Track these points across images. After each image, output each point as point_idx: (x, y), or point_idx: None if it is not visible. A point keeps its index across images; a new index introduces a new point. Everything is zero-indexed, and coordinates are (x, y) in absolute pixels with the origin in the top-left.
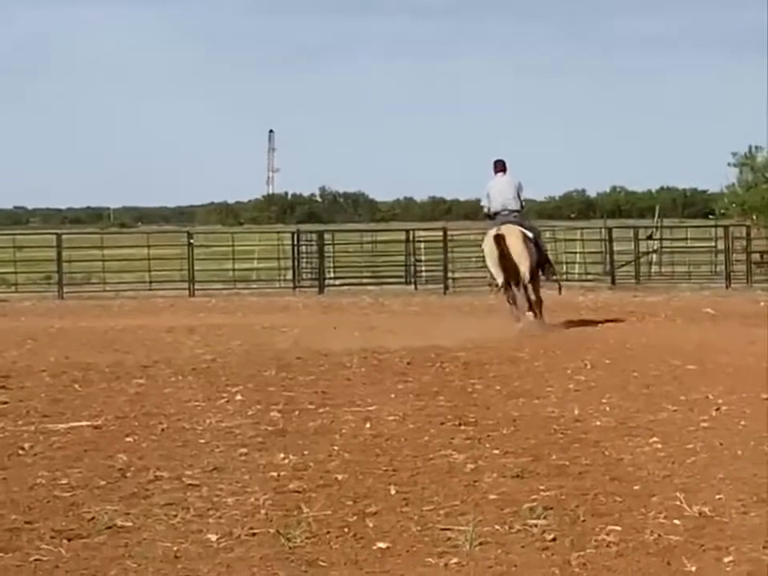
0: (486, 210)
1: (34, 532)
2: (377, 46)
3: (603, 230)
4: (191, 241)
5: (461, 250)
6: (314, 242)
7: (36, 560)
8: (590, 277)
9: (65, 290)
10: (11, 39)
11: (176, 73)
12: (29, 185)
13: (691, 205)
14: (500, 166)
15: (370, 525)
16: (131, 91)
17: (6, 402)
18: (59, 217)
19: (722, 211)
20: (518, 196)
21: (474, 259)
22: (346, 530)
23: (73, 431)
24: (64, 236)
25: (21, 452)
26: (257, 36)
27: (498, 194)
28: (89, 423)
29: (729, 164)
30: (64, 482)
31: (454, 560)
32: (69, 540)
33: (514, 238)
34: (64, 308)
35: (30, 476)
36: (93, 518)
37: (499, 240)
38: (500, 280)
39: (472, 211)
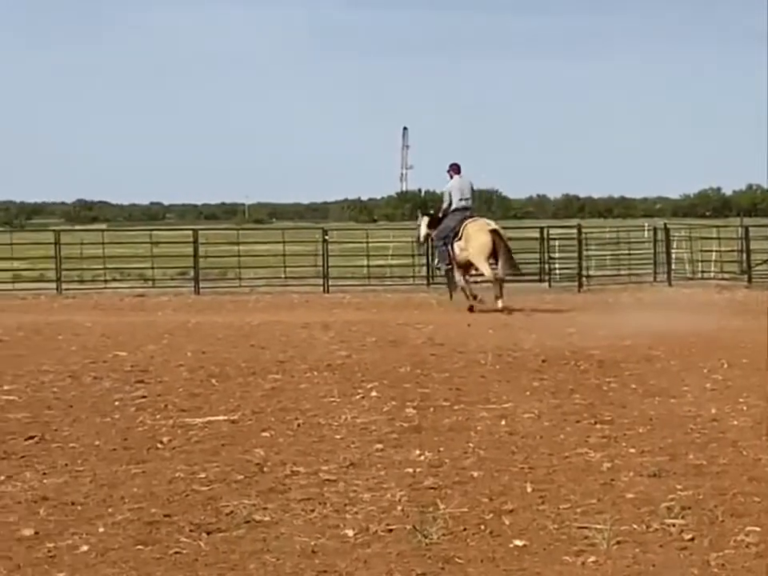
0: (446, 205)
1: (173, 525)
2: (512, 44)
3: (740, 229)
4: (326, 237)
5: (595, 248)
6: None
7: (175, 553)
8: (725, 275)
9: (201, 285)
10: (142, 36)
11: (311, 69)
12: (165, 181)
13: None
14: (456, 169)
15: (507, 522)
16: (265, 88)
17: (144, 396)
18: (195, 212)
19: None
20: (473, 194)
21: (608, 257)
22: (482, 527)
23: (210, 425)
24: (200, 232)
25: (159, 446)
26: (391, 32)
27: (458, 192)
28: (226, 418)
29: None
30: (202, 475)
31: (592, 558)
32: (208, 533)
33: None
34: (200, 303)
35: (169, 470)
36: (231, 512)
37: (498, 234)
38: (488, 270)
39: (606, 209)
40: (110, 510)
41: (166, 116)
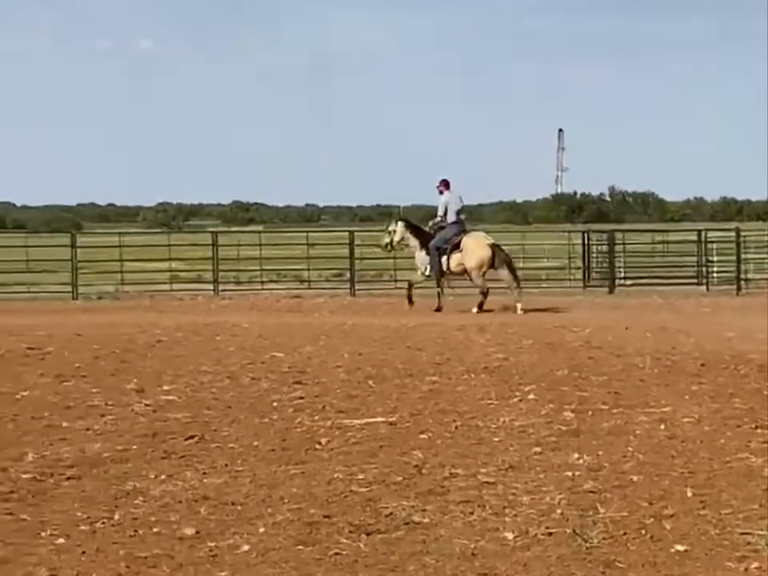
0: (440, 220)
1: (333, 526)
2: (667, 46)
3: None
4: None
5: (754, 251)
6: (604, 242)
7: (335, 554)
8: None
9: (356, 286)
10: (295, 43)
11: (466, 71)
12: (320, 183)
13: None
14: (446, 184)
15: (667, 527)
16: (420, 91)
17: (302, 397)
18: (349, 214)
19: None
20: (463, 207)
21: (767, 260)
22: (642, 531)
23: (368, 427)
24: (356, 233)
25: (318, 447)
26: (546, 34)
27: (453, 206)
28: (384, 419)
29: None
30: (361, 477)
31: (755, 564)
32: (367, 534)
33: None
34: (356, 305)
35: (328, 470)
36: (390, 514)
37: (497, 247)
38: (482, 282)
39: (765, 212)
40: (269, 510)
41: (321, 118)
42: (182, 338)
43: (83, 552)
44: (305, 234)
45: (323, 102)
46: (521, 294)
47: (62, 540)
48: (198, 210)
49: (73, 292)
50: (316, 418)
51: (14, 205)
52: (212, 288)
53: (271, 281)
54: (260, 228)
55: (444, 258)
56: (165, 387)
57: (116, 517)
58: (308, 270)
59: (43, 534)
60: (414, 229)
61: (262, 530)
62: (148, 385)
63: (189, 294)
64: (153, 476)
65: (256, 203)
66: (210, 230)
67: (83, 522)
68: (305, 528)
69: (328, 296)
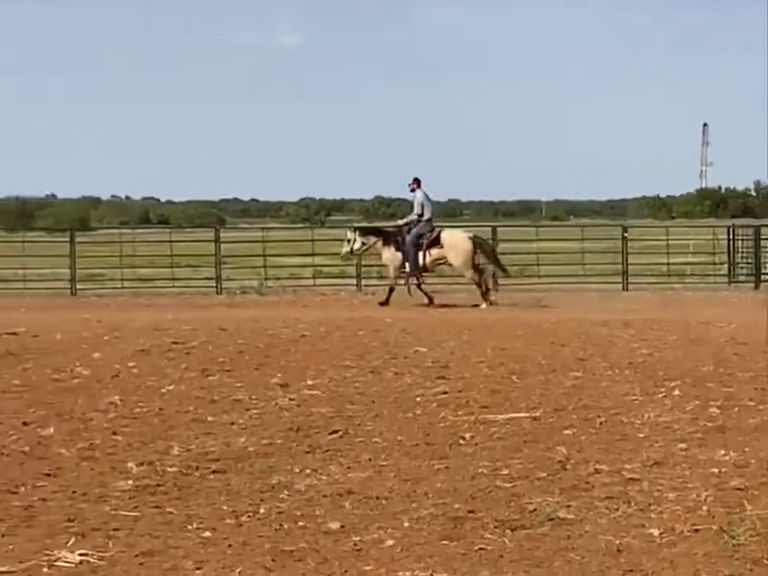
0: (416, 216)
1: (478, 521)
2: None
3: None
4: (625, 234)
5: None
6: (750, 237)
7: (480, 549)
8: None
9: (499, 282)
10: (431, 37)
11: (608, 66)
12: (462, 178)
13: None
14: (418, 183)
15: None
16: (563, 87)
17: (445, 392)
18: (492, 209)
19: None
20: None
21: None
22: None
23: (511, 422)
24: (499, 228)
25: (462, 441)
26: (691, 26)
27: (428, 204)
28: (527, 415)
29: None
30: (505, 472)
31: None
32: (512, 530)
33: None
34: (498, 299)
35: (472, 465)
36: (535, 510)
37: (479, 240)
38: (470, 274)
39: None
40: (414, 504)
41: (462, 113)
42: (325, 333)
43: (229, 545)
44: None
45: (464, 95)
46: (496, 286)
47: (207, 533)
48: (340, 205)
49: (217, 287)
50: (459, 412)
51: (158, 200)
52: (355, 283)
53: None
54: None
55: (420, 254)
56: (308, 382)
57: (261, 510)
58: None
59: (189, 527)
60: (372, 232)
61: (406, 524)
62: (292, 379)
63: (332, 289)
64: (297, 470)
65: (398, 198)
66: (354, 225)
67: (229, 515)
68: (449, 523)
69: (469, 291)
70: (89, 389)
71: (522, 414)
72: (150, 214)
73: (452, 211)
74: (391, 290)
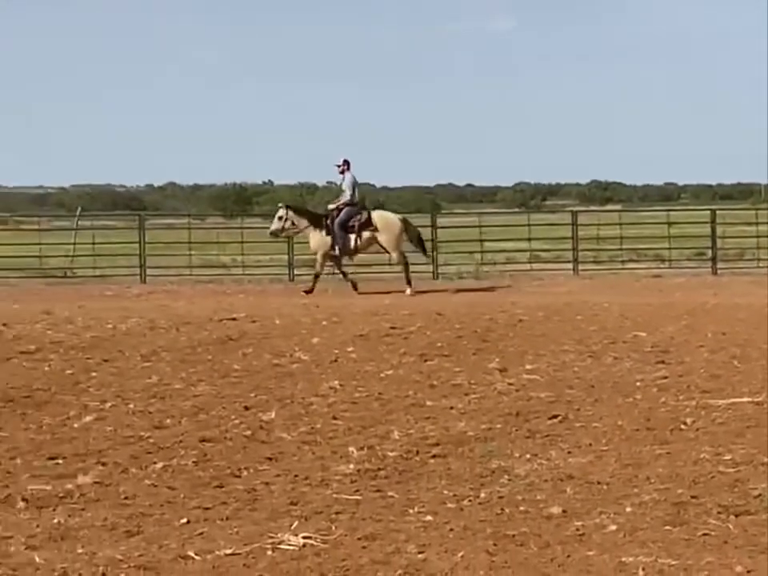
0: (349, 198)
1: (701, 507)
2: None
3: None
4: None
5: None
6: None
7: (704, 534)
8: None
9: (718, 265)
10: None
11: None
12: (679, 161)
13: None
14: (348, 165)
15: None
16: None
17: (665, 377)
18: (710, 193)
19: None
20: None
21: None
22: None
23: (733, 407)
24: (718, 212)
25: (683, 427)
26: None
27: (357, 186)
28: (750, 399)
29: None
30: (727, 457)
31: None
32: (736, 516)
33: None
34: (718, 284)
35: (694, 451)
36: (759, 495)
37: (408, 222)
38: (400, 256)
39: None
40: (635, 490)
41: (680, 96)
42: (543, 318)
43: (450, 529)
44: (665, 212)
45: (672, 79)
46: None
47: (429, 517)
48: (555, 189)
49: (433, 272)
50: (680, 397)
51: (373, 186)
52: (571, 268)
53: (631, 260)
54: (618, 207)
55: (353, 236)
56: (527, 366)
57: (482, 495)
58: (668, 249)
59: (411, 511)
60: (302, 212)
61: (628, 509)
62: (510, 364)
63: (548, 273)
64: (517, 455)
65: (614, 182)
66: (569, 209)
67: (449, 499)
68: (672, 508)
69: (689, 275)
70: (308, 373)
71: (745, 399)
72: (365, 200)
73: (669, 194)
74: (317, 277)
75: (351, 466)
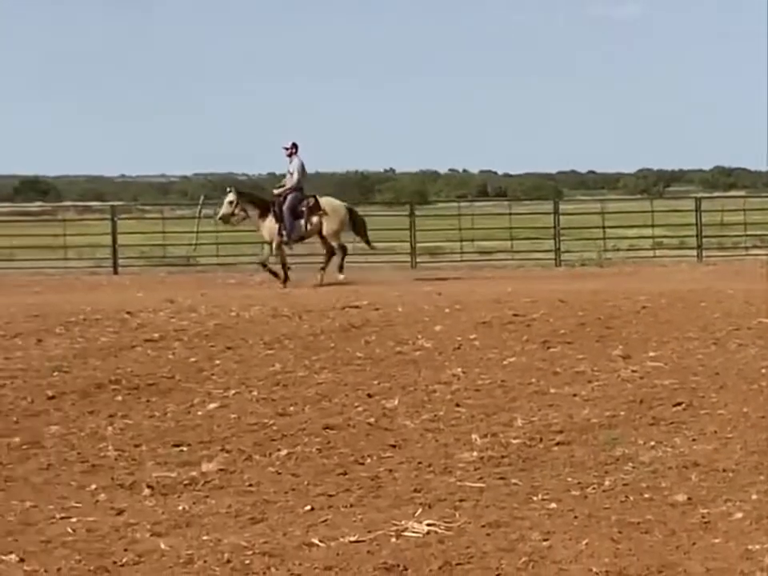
0: (296, 183)
1: None
2: None
3: None
4: None
5: None
6: None
7: None
8: None
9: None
10: None
11: None
12: None
13: None
14: (296, 148)
15: None
16: None
17: None
18: None
19: None
20: None
21: None
22: None
23: None
24: None
25: None
26: None
27: (305, 171)
28: None
29: None
30: None
31: None
32: None
33: None
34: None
35: None
36: None
37: (354, 211)
38: (339, 242)
39: None
40: (761, 477)
41: None
42: (666, 305)
43: (575, 517)
44: None
45: None
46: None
47: (553, 505)
48: (678, 176)
49: (555, 259)
50: None
51: (495, 173)
52: (695, 254)
53: (755, 246)
54: (742, 193)
55: (302, 222)
56: (650, 353)
57: (606, 482)
58: None
59: (534, 498)
60: (252, 198)
61: (754, 497)
62: (634, 351)
63: (672, 260)
64: (641, 442)
65: (738, 168)
66: (693, 195)
67: (573, 487)
68: None
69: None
70: (431, 361)
71: None
72: (487, 187)
73: None
74: (284, 266)
75: (474, 453)
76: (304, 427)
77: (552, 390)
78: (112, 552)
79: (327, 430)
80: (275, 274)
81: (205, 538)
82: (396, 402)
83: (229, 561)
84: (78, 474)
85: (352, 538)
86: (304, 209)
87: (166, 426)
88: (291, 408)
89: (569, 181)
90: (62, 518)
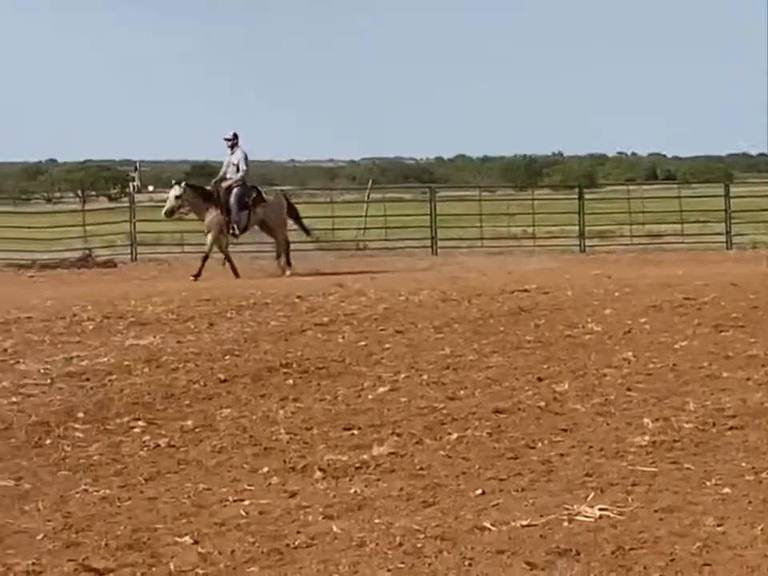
0: (244, 174)
1: None
2: None
3: None
4: None
5: None
6: None
7: None
8: None
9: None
10: None
11: None
12: None
13: None
14: (237, 138)
15: None
16: None
17: None
18: None
19: None
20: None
21: None
22: None
23: None
24: None
25: None
26: None
27: (247, 162)
28: None
29: None
30: None
31: None
32: None
33: None
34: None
35: None
36: None
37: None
38: (285, 235)
39: None
40: None
41: None
42: None
43: (749, 502)
44: None
45: None
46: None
47: (727, 490)
48: None
49: (726, 242)
50: None
51: (664, 156)
52: None
53: None
54: None
55: (246, 213)
56: None
57: None
58: None
59: (708, 483)
60: (198, 191)
61: None
62: None
63: None
64: None
65: None
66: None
67: (747, 472)
68: None
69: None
70: (601, 345)
71: None
72: (656, 170)
73: None
74: (205, 259)
75: (646, 437)
76: (474, 411)
77: (724, 374)
78: (285, 534)
79: (497, 414)
80: (234, 269)
81: (377, 521)
82: (566, 386)
83: (401, 544)
84: (251, 457)
85: (524, 522)
86: (248, 200)
87: (336, 409)
88: (461, 392)
89: (739, 164)
90: (234, 501)
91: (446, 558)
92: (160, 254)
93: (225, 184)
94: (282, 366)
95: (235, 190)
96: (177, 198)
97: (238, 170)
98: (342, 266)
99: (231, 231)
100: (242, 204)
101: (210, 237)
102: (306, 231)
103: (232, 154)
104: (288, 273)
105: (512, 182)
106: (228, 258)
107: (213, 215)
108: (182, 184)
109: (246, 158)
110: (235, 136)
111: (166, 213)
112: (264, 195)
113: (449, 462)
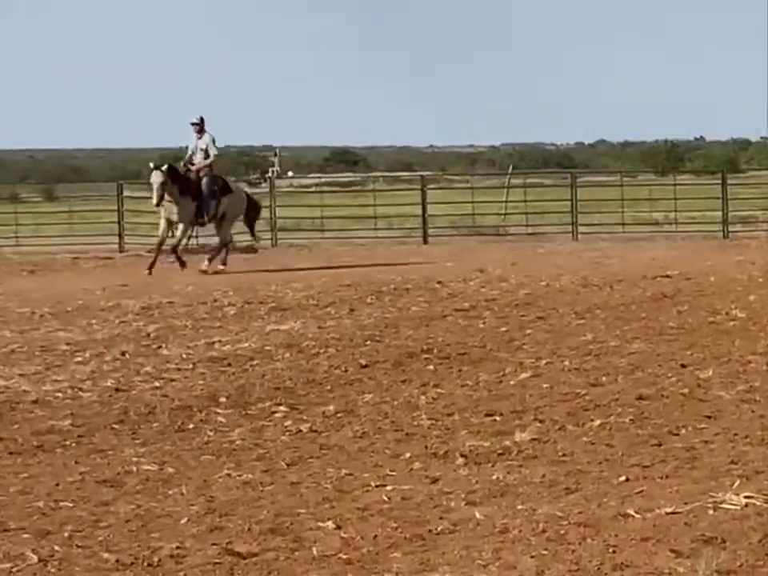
0: (214, 159)
1: None
2: None
3: None
4: None
5: None
6: None
7: None
8: None
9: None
10: None
11: None
12: None
13: None
14: (204, 122)
15: None
16: None
17: None
18: None
19: None
20: None
21: None
22: None
23: None
24: None
25: None
26: None
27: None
28: None
29: None
30: None
31: None
32: None
33: None
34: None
35: None
36: None
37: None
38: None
39: None
40: None
41: None
42: None
43: None
44: None
45: None
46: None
47: None
48: None
49: None
50: None
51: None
52: None
53: None
54: None
55: (214, 203)
56: None
57: None
58: None
59: None
60: (177, 176)
61: None
62: None
63: None
64: None
65: None
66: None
67: None
68: None
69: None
70: (745, 331)
71: None
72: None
73: None
74: (160, 246)
75: None
76: (617, 397)
77: None
78: (427, 520)
79: (640, 401)
80: (182, 262)
81: (519, 507)
82: (710, 373)
83: (544, 531)
84: (392, 443)
85: (668, 510)
86: (216, 189)
87: (478, 395)
88: (603, 378)
89: None
90: (377, 486)
91: (590, 544)
92: (300, 239)
93: (194, 168)
94: (422, 351)
95: (205, 178)
96: (163, 185)
97: (206, 155)
98: (482, 252)
99: (200, 219)
100: (212, 192)
101: (181, 227)
102: (253, 234)
103: (199, 138)
104: (209, 269)
105: (653, 167)
106: (174, 249)
107: (187, 202)
108: (163, 168)
109: (214, 142)
110: (202, 120)
111: (156, 204)
112: (230, 185)
113: (591, 448)
